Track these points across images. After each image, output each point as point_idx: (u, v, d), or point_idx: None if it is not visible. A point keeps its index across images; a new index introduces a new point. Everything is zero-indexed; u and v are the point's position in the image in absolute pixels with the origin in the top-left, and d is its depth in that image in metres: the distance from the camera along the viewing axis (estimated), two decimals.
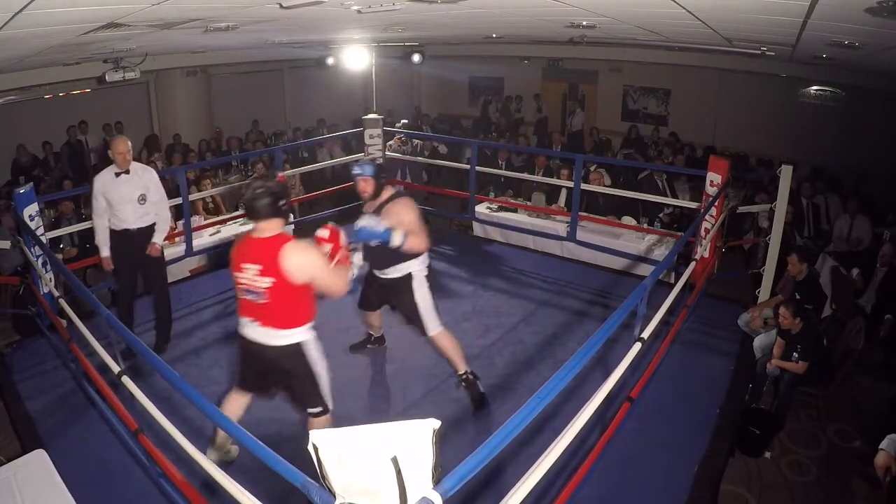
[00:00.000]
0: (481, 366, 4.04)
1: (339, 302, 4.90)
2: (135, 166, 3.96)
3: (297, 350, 2.61)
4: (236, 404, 2.87)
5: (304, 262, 2.44)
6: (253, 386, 2.84)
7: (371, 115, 6.66)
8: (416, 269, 3.41)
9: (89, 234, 5.42)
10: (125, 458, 3.11)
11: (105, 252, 4.00)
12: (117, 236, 3.96)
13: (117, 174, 3.88)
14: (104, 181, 3.88)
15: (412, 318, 3.52)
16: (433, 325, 3.49)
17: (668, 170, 6.97)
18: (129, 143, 3.92)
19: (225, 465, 2.95)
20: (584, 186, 5.77)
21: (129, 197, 3.90)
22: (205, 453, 2.41)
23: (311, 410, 2.76)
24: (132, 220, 3.94)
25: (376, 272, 3.52)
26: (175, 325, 4.55)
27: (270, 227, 2.49)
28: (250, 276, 2.48)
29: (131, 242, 3.98)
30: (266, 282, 2.45)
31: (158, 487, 2.81)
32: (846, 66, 5.89)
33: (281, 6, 2.78)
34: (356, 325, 4.55)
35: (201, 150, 8.81)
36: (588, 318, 4.73)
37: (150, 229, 4.02)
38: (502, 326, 4.55)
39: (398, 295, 3.50)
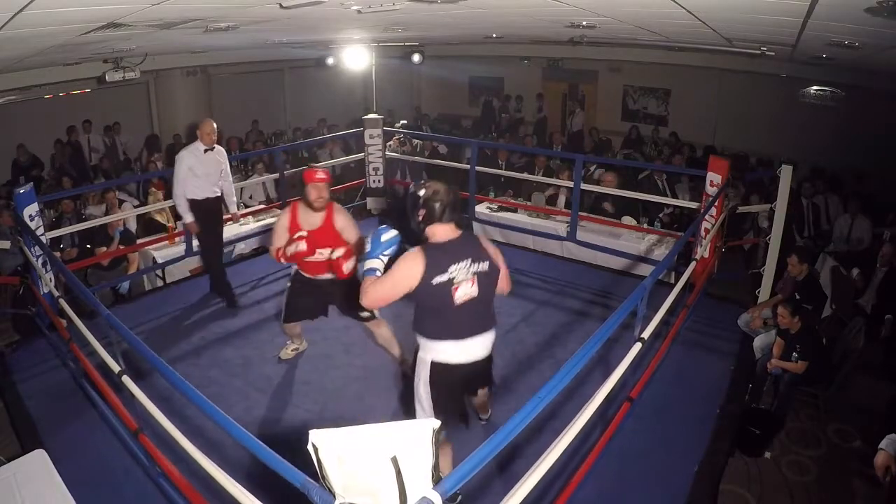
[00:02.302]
0: None
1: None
2: (217, 146, 4.57)
3: None
4: None
5: None
6: None
7: (371, 115, 6.67)
8: (422, 349, 2.56)
9: (89, 235, 5.47)
10: (125, 458, 3.11)
11: (190, 217, 4.56)
12: (199, 204, 4.55)
13: (205, 151, 4.48)
14: (193, 156, 4.46)
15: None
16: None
17: (668, 170, 6.97)
18: (215, 125, 4.54)
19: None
20: (585, 186, 5.77)
21: (214, 170, 4.57)
22: None
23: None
24: (212, 190, 4.59)
25: None
26: (175, 325, 4.59)
27: None
28: None
29: (210, 208, 4.63)
30: None
31: (158, 487, 2.81)
32: (846, 66, 5.89)
33: (281, 6, 2.78)
34: (354, 324, 4.54)
35: None
36: (588, 318, 4.72)
37: (219, 199, 4.71)
38: (502, 326, 4.50)
39: None
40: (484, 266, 2.39)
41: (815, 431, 3.92)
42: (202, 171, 4.49)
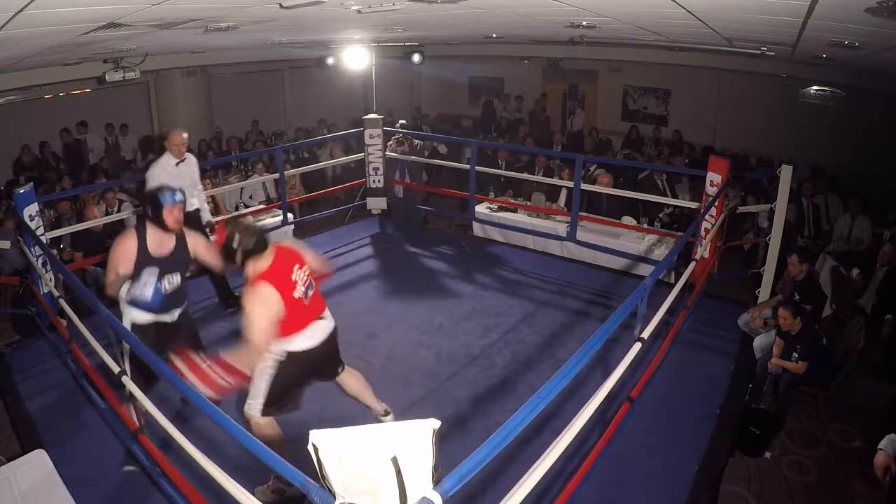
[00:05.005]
0: (481, 366, 4.05)
1: (337, 303, 4.94)
2: (188, 155, 4.34)
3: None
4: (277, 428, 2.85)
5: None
6: (295, 395, 2.91)
7: (371, 115, 6.66)
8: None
9: (88, 236, 5.46)
10: (125, 457, 3.11)
11: None
12: None
13: (176, 163, 4.24)
14: (165, 171, 4.18)
15: None
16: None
17: (668, 170, 6.97)
18: (185, 135, 4.27)
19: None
20: (584, 186, 5.78)
21: (188, 183, 4.27)
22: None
23: (340, 370, 3.08)
24: (188, 203, 4.16)
25: None
26: None
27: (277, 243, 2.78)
28: (305, 274, 2.73)
29: (188, 223, 4.23)
30: (310, 272, 2.78)
31: (158, 487, 2.81)
32: (846, 66, 5.89)
33: (281, 6, 2.78)
34: (354, 325, 4.56)
35: (201, 150, 8.81)
36: (588, 318, 4.72)
37: (194, 213, 4.39)
38: (502, 326, 4.55)
39: None
40: None
41: (815, 431, 3.92)
42: (177, 185, 4.06)
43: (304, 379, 2.88)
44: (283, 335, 2.64)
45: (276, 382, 2.71)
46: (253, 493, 1.77)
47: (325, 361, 2.92)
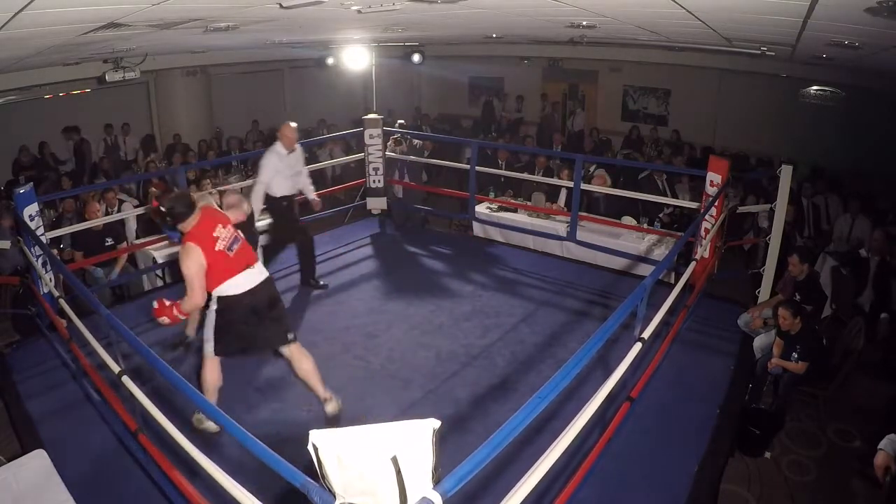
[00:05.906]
0: (481, 366, 4.05)
1: (337, 303, 4.95)
2: (297, 146, 4.84)
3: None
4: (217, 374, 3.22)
5: None
6: (243, 341, 3.24)
7: (371, 115, 6.66)
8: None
9: (88, 236, 5.46)
10: (125, 458, 3.11)
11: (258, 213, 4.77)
12: (279, 201, 4.84)
13: (288, 153, 4.74)
14: (278, 158, 4.71)
15: None
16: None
17: (668, 170, 6.97)
18: (294, 125, 4.78)
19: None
20: (584, 186, 5.78)
21: (295, 171, 4.85)
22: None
23: (290, 337, 3.27)
24: (292, 188, 4.91)
25: None
26: (175, 325, 4.57)
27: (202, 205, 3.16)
28: (228, 231, 3.09)
29: (290, 203, 4.95)
30: (234, 230, 3.13)
31: (158, 487, 2.81)
32: (846, 66, 5.89)
33: (281, 6, 2.78)
34: (354, 325, 4.57)
35: (201, 150, 8.82)
36: (588, 318, 4.72)
37: (295, 195, 5.01)
38: (502, 326, 4.55)
39: None
40: None
41: (815, 431, 3.92)
42: (287, 171, 4.76)
43: (244, 324, 3.16)
44: (215, 283, 3.04)
45: (219, 326, 3.14)
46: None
47: (263, 309, 3.18)
